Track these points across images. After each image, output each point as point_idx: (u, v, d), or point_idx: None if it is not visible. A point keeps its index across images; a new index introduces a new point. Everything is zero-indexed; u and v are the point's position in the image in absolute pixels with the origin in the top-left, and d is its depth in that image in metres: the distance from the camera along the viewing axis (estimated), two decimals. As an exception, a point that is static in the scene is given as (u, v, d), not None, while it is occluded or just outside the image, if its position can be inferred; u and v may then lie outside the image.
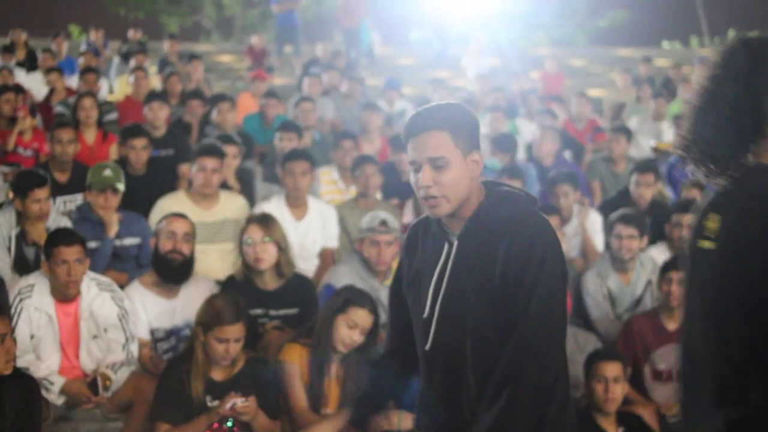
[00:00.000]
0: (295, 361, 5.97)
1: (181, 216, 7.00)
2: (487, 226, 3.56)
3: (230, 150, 8.69)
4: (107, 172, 7.59)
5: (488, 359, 3.51)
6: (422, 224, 3.81)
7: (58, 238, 6.38)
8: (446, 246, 3.64)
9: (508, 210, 3.56)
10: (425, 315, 3.64)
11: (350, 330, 5.89)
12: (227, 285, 6.92)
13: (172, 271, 6.84)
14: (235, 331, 5.83)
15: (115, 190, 7.54)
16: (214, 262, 7.69)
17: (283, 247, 6.81)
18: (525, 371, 3.42)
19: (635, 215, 7.70)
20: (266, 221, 6.83)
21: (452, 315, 3.60)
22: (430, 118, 3.56)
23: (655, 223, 8.33)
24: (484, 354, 3.54)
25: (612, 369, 6.13)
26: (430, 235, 3.73)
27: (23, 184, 7.28)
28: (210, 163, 7.83)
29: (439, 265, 3.64)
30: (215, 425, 5.73)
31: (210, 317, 5.85)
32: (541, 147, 10.08)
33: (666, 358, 6.91)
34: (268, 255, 6.74)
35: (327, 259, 8.16)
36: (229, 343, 5.82)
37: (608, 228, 7.66)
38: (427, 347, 3.64)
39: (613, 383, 6.09)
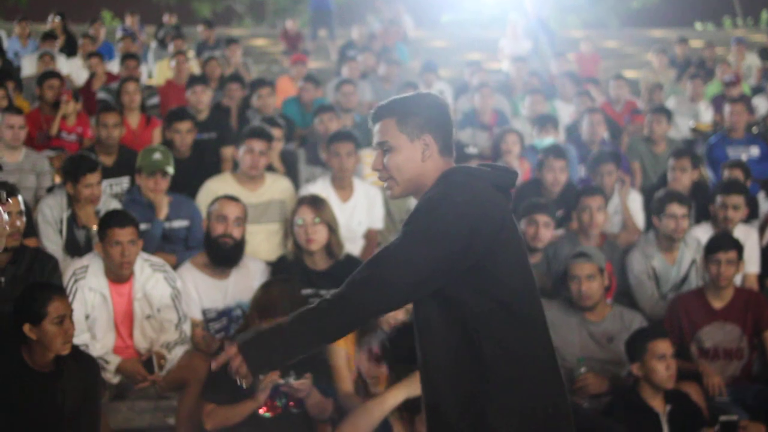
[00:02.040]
0: (341, 344, 6.02)
1: (233, 199, 7.05)
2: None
3: (275, 132, 8.76)
4: (157, 156, 7.68)
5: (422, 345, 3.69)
6: None
7: (112, 219, 6.47)
8: None
9: (436, 184, 3.67)
10: None
11: None
12: (278, 265, 7.00)
13: (222, 255, 6.92)
14: None
15: (164, 173, 7.63)
16: (261, 243, 7.78)
17: (333, 228, 6.89)
18: (349, 287, 3.53)
19: (684, 195, 7.75)
20: (317, 203, 6.91)
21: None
22: (381, 109, 3.81)
23: (698, 203, 8.38)
24: (419, 337, 3.71)
25: (668, 346, 6.19)
26: None
27: (75, 169, 7.37)
28: (258, 145, 7.90)
29: None
30: (270, 402, 5.80)
31: (264, 307, 5.91)
32: (591, 131, 10.07)
33: (712, 336, 6.96)
34: (318, 236, 6.82)
35: (372, 240, 8.22)
36: None
37: (658, 208, 7.66)
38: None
39: (671, 360, 6.15)
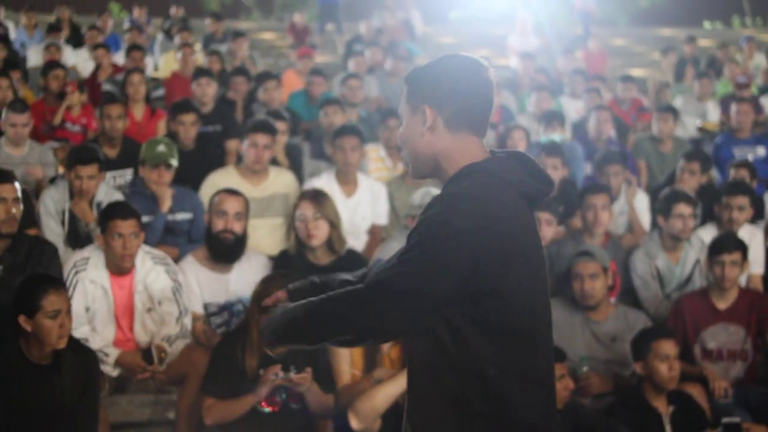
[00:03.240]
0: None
1: (233, 193, 7.01)
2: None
3: (279, 126, 8.72)
4: (161, 148, 7.65)
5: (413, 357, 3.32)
6: None
7: (114, 211, 6.44)
8: None
9: (454, 183, 3.21)
10: None
11: None
12: (280, 260, 6.98)
13: (223, 250, 6.88)
14: None
15: (168, 166, 7.60)
16: (264, 237, 7.74)
17: (335, 224, 6.86)
18: (339, 302, 3.14)
19: (691, 196, 7.70)
20: (318, 198, 6.87)
21: None
22: (405, 78, 3.40)
23: (704, 204, 8.34)
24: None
25: (672, 347, 6.16)
26: None
27: (70, 160, 7.41)
28: (262, 139, 7.86)
29: None
30: (270, 397, 5.78)
31: (265, 299, 5.87)
32: (598, 129, 10.05)
33: (716, 337, 6.92)
34: (320, 231, 6.78)
35: (376, 235, 8.20)
36: None
37: (664, 208, 7.61)
38: None
39: (674, 361, 6.11)
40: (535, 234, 3.27)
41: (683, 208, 7.50)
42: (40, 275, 5.79)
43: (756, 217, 8.30)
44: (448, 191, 3.19)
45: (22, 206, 6.40)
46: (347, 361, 5.97)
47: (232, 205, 6.89)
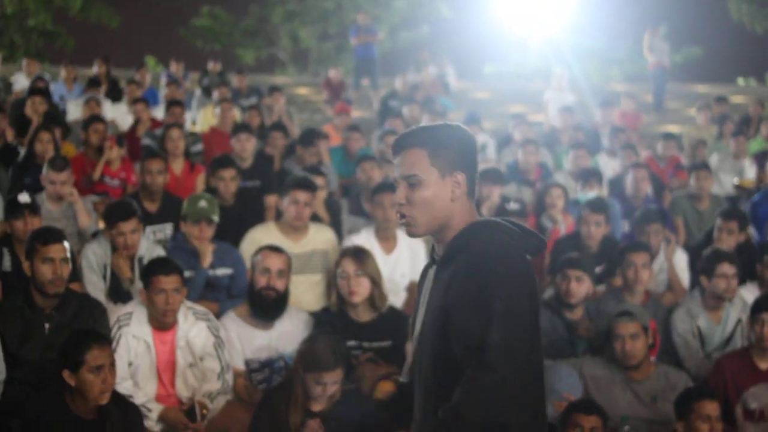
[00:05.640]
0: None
1: (276, 250, 7.04)
2: (454, 255, 3.46)
3: (318, 181, 8.77)
4: (202, 204, 7.71)
5: (437, 398, 3.41)
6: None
7: (157, 267, 6.48)
8: (431, 271, 3.59)
9: (476, 240, 3.42)
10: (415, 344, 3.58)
11: None
12: (321, 317, 6.99)
13: (266, 307, 6.91)
14: (333, 376, 5.89)
15: (209, 221, 7.66)
16: (304, 293, 7.76)
17: (376, 281, 6.88)
18: (465, 406, 3.26)
19: (734, 255, 7.68)
20: (360, 255, 6.91)
21: (423, 346, 3.52)
22: (410, 137, 3.54)
23: (744, 262, 8.31)
24: (437, 393, 3.43)
25: (715, 408, 6.12)
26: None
27: (110, 216, 7.49)
28: (302, 196, 7.89)
29: (423, 290, 3.62)
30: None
31: (309, 361, 5.89)
32: (635, 187, 10.07)
33: (758, 397, 6.86)
34: (361, 288, 6.81)
35: (415, 292, 8.17)
36: (326, 385, 5.89)
37: (707, 268, 7.60)
38: (406, 378, 3.62)
39: (716, 422, 6.08)
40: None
41: (727, 268, 7.48)
42: (84, 331, 5.84)
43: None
44: (477, 255, 3.38)
45: (70, 266, 6.44)
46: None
47: (275, 263, 6.92)
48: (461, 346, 3.32)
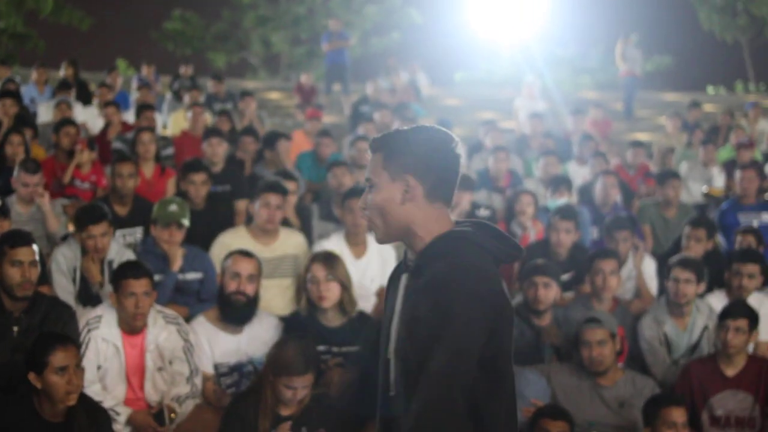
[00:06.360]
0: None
1: (247, 255, 7.06)
2: (424, 267, 3.38)
3: (289, 186, 8.78)
4: (173, 208, 7.71)
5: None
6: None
7: (127, 270, 6.48)
8: (403, 277, 3.49)
9: (444, 256, 3.35)
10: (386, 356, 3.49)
11: None
12: (291, 322, 7.00)
13: (235, 311, 6.92)
14: (303, 380, 5.90)
15: (180, 225, 7.66)
16: (274, 298, 7.77)
17: (346, 286, 6.90)
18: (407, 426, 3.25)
19: (693, 260, 7.73)
20: (330, 260, 6.93)
21: (398, 356, 3.43)
22: (373, 142, 3.52)
23: (711, 270, 8.36)
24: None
25: (681, 414, 6.18)
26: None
27: (80, 219, 7.45)
28: (274, 199, 7.91)
29: (396, 299, 3.48)
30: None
31: (279, 366, 5.89)
32: (604, 194, 10.12)
33: (724, 404, 6.93)
34: (331, 293, 6.83)
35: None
36: (297, 390, 5.90)
37: (666, 273, 7.68)
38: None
39: (682, 428, 6.13)
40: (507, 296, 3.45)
41: (679, 272, 7.53)
42: (48, 333, 5.83)
43: (765, 284, 8.31)
44: (442, 273, 3.31)
45: (39, 269, 6.43)
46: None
47: (245, 267, 6.93)
48: (417, 360, 3.30)
